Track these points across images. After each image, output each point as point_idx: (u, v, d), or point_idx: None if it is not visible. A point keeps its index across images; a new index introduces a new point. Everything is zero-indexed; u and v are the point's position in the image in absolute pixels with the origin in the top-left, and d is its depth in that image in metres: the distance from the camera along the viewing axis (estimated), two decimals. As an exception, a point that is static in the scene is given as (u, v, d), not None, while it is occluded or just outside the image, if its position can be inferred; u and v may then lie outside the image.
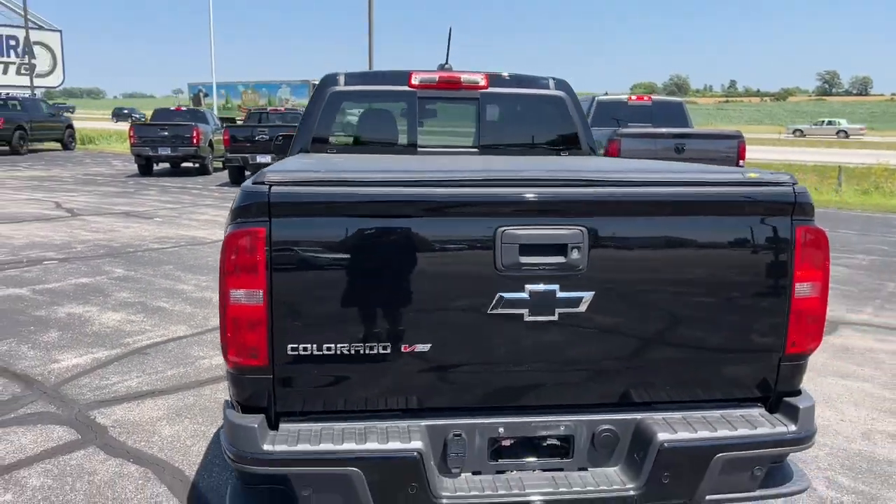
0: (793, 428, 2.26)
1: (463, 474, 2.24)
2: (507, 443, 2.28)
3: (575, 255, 2.13)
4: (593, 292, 2.16)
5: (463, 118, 4.30)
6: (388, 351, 2.14)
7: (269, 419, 2.16)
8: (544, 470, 2.28)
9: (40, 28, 43.24)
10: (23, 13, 38.52)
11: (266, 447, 2.07)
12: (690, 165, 3.15)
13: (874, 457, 3.78)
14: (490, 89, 4.11)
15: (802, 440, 2.27)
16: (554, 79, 4.23)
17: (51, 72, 45.67)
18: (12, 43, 42.97)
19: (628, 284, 2.22)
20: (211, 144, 20.57)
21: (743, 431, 2.23)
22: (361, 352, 2.13)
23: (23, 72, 40.06)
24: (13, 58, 43.43)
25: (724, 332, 2.29)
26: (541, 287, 2.13)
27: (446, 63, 4.31)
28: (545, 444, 2.29)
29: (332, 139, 4.13)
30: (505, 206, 2.13)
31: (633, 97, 13.01)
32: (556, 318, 2.16)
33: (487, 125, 4.20)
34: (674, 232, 2.23)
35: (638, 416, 2.27)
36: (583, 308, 2.17)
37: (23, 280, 7.22)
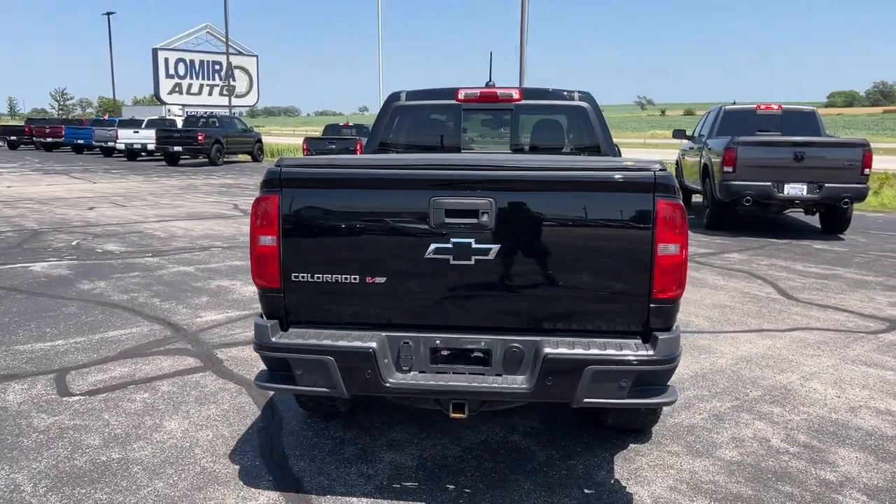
0: (651, 353, 3.00)
1: (412, 372, 3.19)
2: (445, 353, 3.20)
3: (485, 218, 3.03)
4: (499, 245, 3.05)
5: (500, 126, 5.22)
6: (357, 281, 3.15)
7: (282, 324, 3.24)
8: (471, 374, 3.18)
9: (240, 54, 48.47)
10: (232, 44, 43.51)
11: (273, 339, 3.15)
12: (592, 157, 3.84)
13: (847, 424, 4.24)
14: (523, 101, 5.00)
15: (658, 362, 3.00)
16: (580, 92, 5.04)
17: (248, 92, 50.98)
18: (217, 68, 48.57)
19: (526, 242, 3.07)
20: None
21: (609, 351, 3.01)
22: (339, 280, 3.16)
23: (224, 93, 45.02)
24: (217, 81, 49.03)
25: (604, 281, 3.08)
26: (461, 240, 3.05)
27: (490, 80, 5.25)
28: (472, 356, 3.19)
29: (393, 145, 5.21)
30: (436, 183, 3.08)
31: (763, 105, 13.03)
32: (472, 262, 3.06)
33: (519, 131, 5.10)
34: (562, 203, 3.06)
35: (538, 338, 3.11)
36: (492, 256, 3.06)
37: (192, 261, 8.94)
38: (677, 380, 4.87)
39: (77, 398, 4.51)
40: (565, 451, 3.87)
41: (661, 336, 3.05)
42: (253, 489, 3.43)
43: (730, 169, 11.28)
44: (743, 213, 12.53)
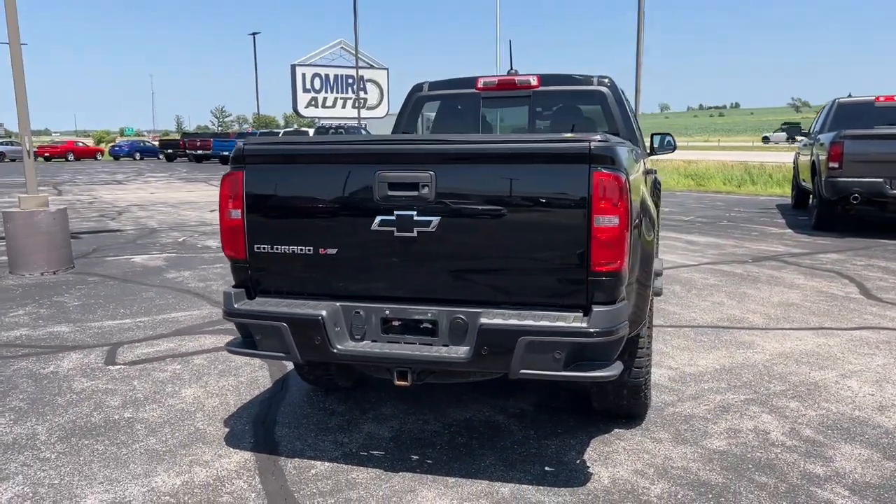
0: (583, 325, 2.96)
1: (364, 341, 3.30)
2: (396, 323, 3.30)
3: (425, 190, 3.11)
4: (439, 217, 3.11)
5: (519, 113, 5.23)
6: (312, 252, 3.31)
7: (249, 293, 3.45)
8: (421, 344, 3.25)
9: (371, 67, 50.29)
10: (363, 57, 45.28)
11: (236, 306, 3.36)
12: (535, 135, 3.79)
13: (867, 422, 3.94)
14: (541, 88, 5.00)
15: (591, 334, 2.95)
16: (599, 76, 4.97)
17: (378, 104, 52.75)
18: (350, 81, 50.62)
19: (466, 214, 3.11)
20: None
21: (542, 322, 3.00)
22: (295, 252, 3.33)
23: (356, 105, 46.85)
24: (350, 94, 51.07)
25: (543, 253, 3.06)
26: (403, 212, 3.14)
27: (511, 68, 5.27)
28: (421, 327, 3.26)
29: (416, 132, 5.34)
30: (379, 157, 3.19)
31: (882, 98, 12.10)
32: (415, 234, 3.15)
33: (537, 117, 5.09)
34: (500, 176, 3.09)
35: (479, 310, 3.15)
36: (433, 228, 3.12)
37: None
38: (698, 373, 4.71)
39: (118, 367, 4.95)
40: (545, 432, 3.85)
41: (597, 308, 3.00)
42: (231, 449, 3.66)
43: (835, 165, 10.56)
44: (860, 214, 11.66)
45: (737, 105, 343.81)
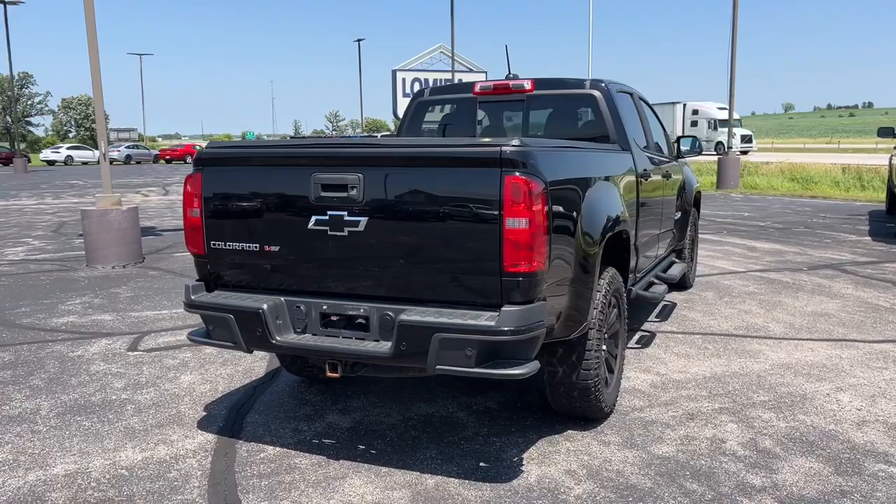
0: (492, 323, 3.04)
1: (306, 334, 3.50)
2: (335, 318, 3.48)
3: (354, 192, 3.27)
4: (367, 217, 3.27)
5: (514, 117, 5.28)
6: (258, 249, 3.54)
7: (208, 286, 3.72)
8: (357, 339, 3.42)
9: (470, 71, 50.51)
10: (461, 60, 45.76)
11: (193, 298, 3.64)
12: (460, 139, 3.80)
13: (836, 436, 3.80)
14: (535, 91, 5.05)
15: (500, 332, 3.02)
16: (593, 79, 4.97)
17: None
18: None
19: (392, 215, 3.25)
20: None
21: (454, 320, 3.10)
22: (244, 248, 3.57)
23: (454, 107, 47.22)
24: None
25: (460, 254, 3.16)
26: (335, 213, 3.32)
27: (510, 73, 5.34)
28: (357, 322, 3.43)
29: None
30: (315, 161, 3.38)
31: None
32: (345, 233, 3.32)
33: (532, 120, 5.14)
34: (421, 179, 3.21)
35: (403, 307, 3.28)
36: (361, 227, 3.29)
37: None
38: (684, 380, 4.65)
39: (136, 353, 5.37)
40: (498, 429, 3.93)
41: (506, 308, 3.08)
42: (198, 430, 3.94)
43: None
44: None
45: (870, 105, 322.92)
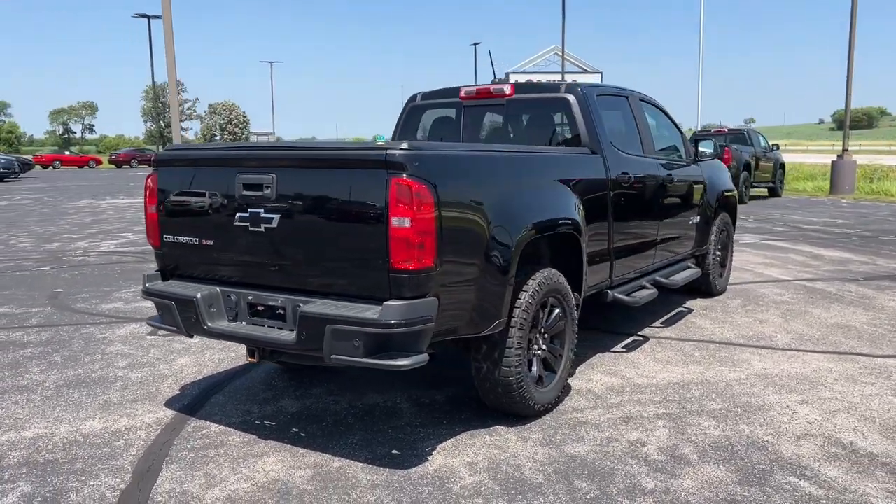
0: (375, 316, 3.23)
1: (237, 322, 3.81)
2: (261, 307, 3.77)
3: (268, 191, 3.55)
4: (279, 215, 3.55)
5: (496, 121, 5.39)
6: (197, 243, 3.89)
7: (164, 276, 4.11)
8: (278, 328, 3.69)
9: (585, 72, 49.96)
10: (574, 61, 45.41)
11: (147, 286, 4.03)
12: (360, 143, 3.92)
13: (764, 447, 3.72)
14: (515, 96, 5.16)
15: (381, 325, 3.20)
16: (569, 84, 5.02)
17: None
18: (563, 86, 50.57)
19: (298, 213, 3.51)
20: (748, 167, 18.54)
21: (345, 312, 3.31)
22: (186, 242, 3.93)
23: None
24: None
25: (354, 251, 3.37)
26: (255, 210, 3.61)
27: (495, 78, 5.46)
28: (277, 312, 3.71)
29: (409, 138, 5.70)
30: (238, 162, 3.69)
31: None
32: (262, 230, 3.61)
33: (511, 123, 5.25)
34: (318, 180, 3.45)
35: (308, 299, 3.52)
36: (275, 224, 3.56)
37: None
38: (646, 384, 4.66)
39: (152, 338, 5.90)
40: (432, 421, 4.09)
41: (388, 303, 3.25)
42: (163, 406, 4.35)
43: None
44: None
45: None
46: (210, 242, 3.84)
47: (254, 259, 3.72)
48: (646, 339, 5.73)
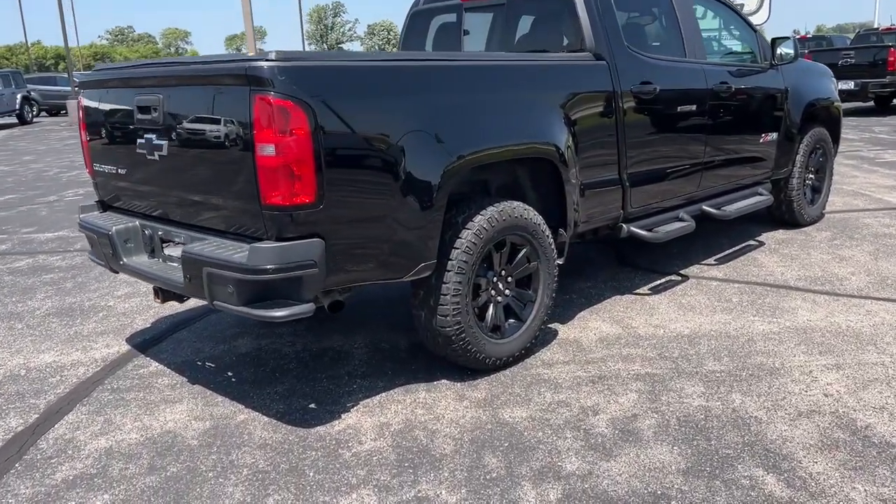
0: (241, 259, 2.80)
1: (155, 258, 3.53)
2: (171, 244, 3.46)
3: (156, 114, 3.17)
4: (166, 141, 3.16)
5: (499, 25, 4.62)
6: (115, 172, 3.60)
7: (102, 207, 3.87)
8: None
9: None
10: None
11: (80, 217, 3.82)
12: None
13: (743, 420, 3.01)
14: None
15: (246, 270, 2.78)
16: None
17: (758, 9, 47.39)
18: (724, -13, 46.14)
19: (181, 139, 3.10)
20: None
21: (218, 253, 2.91)
22: (108, 171, 3.65)
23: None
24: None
25: (231, 182, 2.94)
26: (148, 136, 3.25)
27: (496, -26, 4.67)
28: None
29: (413, 49, 5.07)
30: (135, 82, 3.32)
31: None
32: (157, 158, 3.25)
33: (512, 26, 4.49)
34: (191, 100, 3.04)
35: (201, 236, 3.15)
36: (165, 152, 3.19)
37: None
38: (647, 336, 3.99)
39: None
40: (377, 371, 3.68)
41: (256, 245, 2.82)
42: (124, 341, 4.22)
43: None
44: None
45: None
46: (124, 172, 3.55)
47: (158, 191, 3.39)
48: (684, 278, 4.93)
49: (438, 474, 2.75)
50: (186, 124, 3.07)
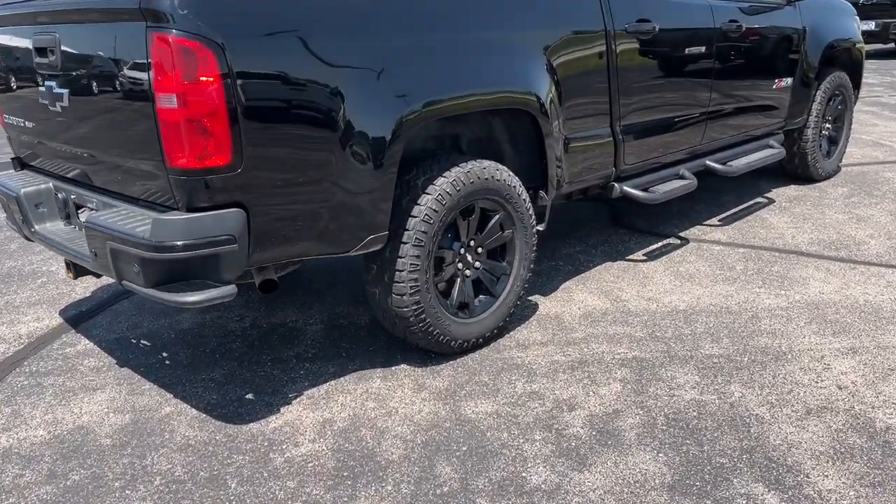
0: (144, 234, 2.34)
1: (72, 224, 3.06)
2: (85, 210, 2.99)
3: (53, 57, 2.67)
4: (67, 90, 2.67)
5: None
6: (24, 124, 3.10)
7: (19, 165, 3.39)
8: None
9: None
10: None
11: None
12: None
13: (732, 409, 2.58)
14: None
15: (149, 247, 2.32)
16: None
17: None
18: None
19: (79, 86, 2.61)
20: None
21: (121, 225, 2.45)
22: (16, 124, 3.16)
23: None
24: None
25: (137, 141, 2.46)
26: (48, 83, 2.75)
27: None
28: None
29: None
30: (32, 18, 2.80)
31: None
32: (59, 109, 2.76)
33: None
34: (92, 41, 2.52)
35: (118, 203, 2.68)
36: (66, 102, 2.70)
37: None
38: (639, 311, 3.55)
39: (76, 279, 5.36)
40: (331, 353, 3.25)
41: (160, 216, 2.35)
42: (56, 313, 3.78)
43: None
44: None
45: None
46: (31, 125, 3.07)
47: (67, 148, 2.91)
48: (685, 242, 4.45)
49: (381, 487, 2.33)
50: (84, 70, 2.58)
